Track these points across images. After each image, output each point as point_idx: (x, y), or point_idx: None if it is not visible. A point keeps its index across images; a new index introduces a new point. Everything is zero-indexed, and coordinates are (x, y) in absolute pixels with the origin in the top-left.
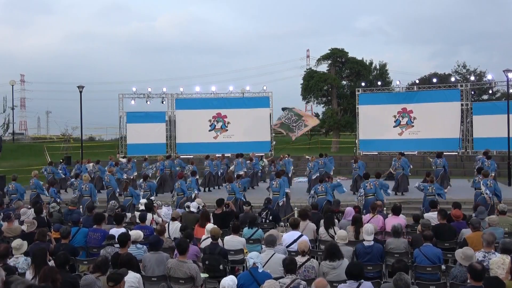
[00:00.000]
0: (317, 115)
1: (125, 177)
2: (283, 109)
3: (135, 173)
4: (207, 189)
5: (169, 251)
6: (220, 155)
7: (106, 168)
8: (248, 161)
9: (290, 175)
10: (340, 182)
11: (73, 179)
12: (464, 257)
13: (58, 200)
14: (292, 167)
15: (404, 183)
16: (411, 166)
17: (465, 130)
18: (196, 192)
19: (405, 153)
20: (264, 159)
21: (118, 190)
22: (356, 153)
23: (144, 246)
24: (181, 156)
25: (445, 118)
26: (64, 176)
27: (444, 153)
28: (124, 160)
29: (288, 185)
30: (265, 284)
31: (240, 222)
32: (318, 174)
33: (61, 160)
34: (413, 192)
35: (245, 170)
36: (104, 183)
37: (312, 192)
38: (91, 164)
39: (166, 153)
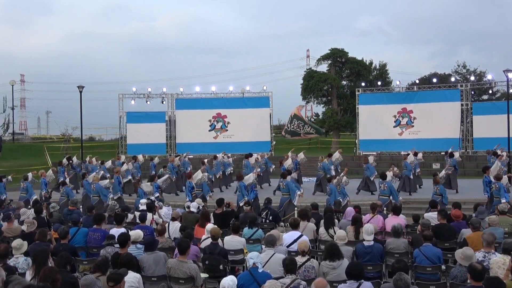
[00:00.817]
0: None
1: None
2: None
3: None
4: (218, 189)
5: (169, 251)
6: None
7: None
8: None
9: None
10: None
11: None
12: (463, 257)
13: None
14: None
15: (409, 183)
16: (414, 170)
17: (465, 130)
18: (211, 194)
19: (408, 152)
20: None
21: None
22: (357, 153)
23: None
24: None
25: (445, 118)
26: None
27: (444, 153)
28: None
29: (298, 186)
30: (266, 284)
31: (240, 222)
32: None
33: (71, 160)
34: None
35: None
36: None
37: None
38: (93, 159)
39: (166, 153)
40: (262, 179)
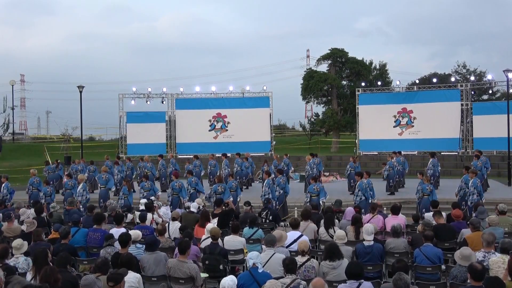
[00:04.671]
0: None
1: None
2: None
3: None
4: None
5: (169, 251)
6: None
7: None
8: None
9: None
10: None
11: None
12: (461, 257)
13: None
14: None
15: (390, 184)
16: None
17: (465, 130)
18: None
19: (402, 152)
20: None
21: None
22: (357, 153)
23: (144, 246)
24: (178, 156)
25: (445, 118)
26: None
27: (444, 153)
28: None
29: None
30: (266, 284)
31: (240, 222)
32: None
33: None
34: (411, 192)
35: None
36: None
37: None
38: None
39: (166, 153)
40: (248, 180)
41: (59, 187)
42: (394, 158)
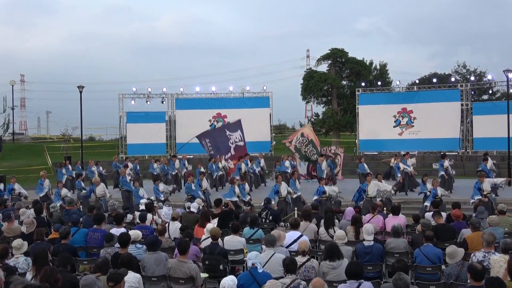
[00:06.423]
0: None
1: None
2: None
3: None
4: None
5: (169, 251)
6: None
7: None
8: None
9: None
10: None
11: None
12: (448, 256)
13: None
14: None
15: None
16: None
17: (465, 130)
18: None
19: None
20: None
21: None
22: (357, 153)
23: (144, 246)
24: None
25: (445, 118)
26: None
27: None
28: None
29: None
30: (267, 284)
31: (240, 222)
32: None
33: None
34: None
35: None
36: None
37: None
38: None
39: (166, 153)
40: (257, 180)
41: (71, 188)
42: (410, 158)
